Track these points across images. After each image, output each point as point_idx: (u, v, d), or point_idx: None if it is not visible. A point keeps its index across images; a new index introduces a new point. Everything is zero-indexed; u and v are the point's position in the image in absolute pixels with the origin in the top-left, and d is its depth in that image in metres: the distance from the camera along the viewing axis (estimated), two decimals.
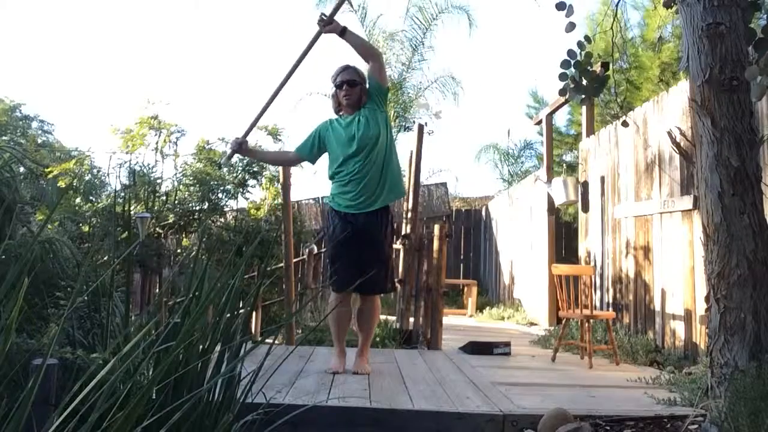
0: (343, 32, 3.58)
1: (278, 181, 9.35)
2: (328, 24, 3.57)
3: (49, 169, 8.77)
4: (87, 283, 2.26)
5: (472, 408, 2.77)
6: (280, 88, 3.70)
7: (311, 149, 3.83)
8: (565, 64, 3.51)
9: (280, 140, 10.44)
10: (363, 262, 3.51)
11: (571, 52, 3.49)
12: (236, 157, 3.91)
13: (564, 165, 9.45)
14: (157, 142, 9.86)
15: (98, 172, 9.93)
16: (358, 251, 3.58)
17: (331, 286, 3.72)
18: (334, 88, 3.76)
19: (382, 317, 5.93)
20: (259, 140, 10.29)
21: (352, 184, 3.61)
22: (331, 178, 3.75)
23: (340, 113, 3.79)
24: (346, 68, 3.76)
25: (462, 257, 12.48)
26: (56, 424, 1.21)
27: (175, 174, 9.94)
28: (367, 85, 3.74)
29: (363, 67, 3.76)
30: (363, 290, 3.64)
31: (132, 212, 8.23)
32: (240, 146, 3.80)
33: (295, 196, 11.78)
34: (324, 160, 3.85)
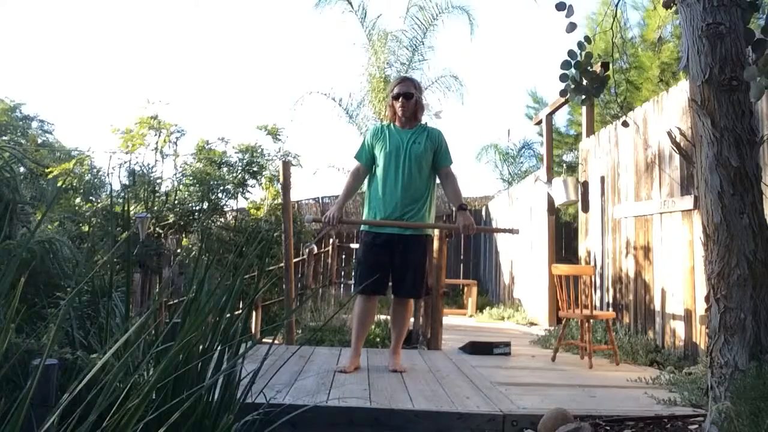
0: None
1: (278, 181, 9.35)
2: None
3: (49, 169, 8.77)
4: (86, 283, 2.26)
5: (472, 408, 2.77)
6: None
7: (369, 154, 3.80)
8: (565, 65, 3.51)
9: (279, 140, 10.45)
10: (395, 267, 3.62)
11: (571, 53, 3.49)
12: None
13: (564, 165, 9.44)
14: (156, 142, 9.87)
15: (98, 172, 9.94)
16: (389, 258, 3.64)
17: (358, 288, 3.74)
18: (391, 98, 3.79)
19: (382, 317, 5.93)
20: (258, 140, 10.32)
21: (391, 195, 3.63)
22: (372, 184, 3.75)
23: (394, 123, 3.82)
24: (404, 80, 3.83)
25: (462, 257, 12.48)
26: (50, 422, 1.20)
27: (175, 174, 9.96)
28: (439, 150, 3.75)
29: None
30: (397, 293, 3.74)
31: (132, 212, 8.23)
32: (333, 218, 3.67)
33: (295, 196, 11.79)
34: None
